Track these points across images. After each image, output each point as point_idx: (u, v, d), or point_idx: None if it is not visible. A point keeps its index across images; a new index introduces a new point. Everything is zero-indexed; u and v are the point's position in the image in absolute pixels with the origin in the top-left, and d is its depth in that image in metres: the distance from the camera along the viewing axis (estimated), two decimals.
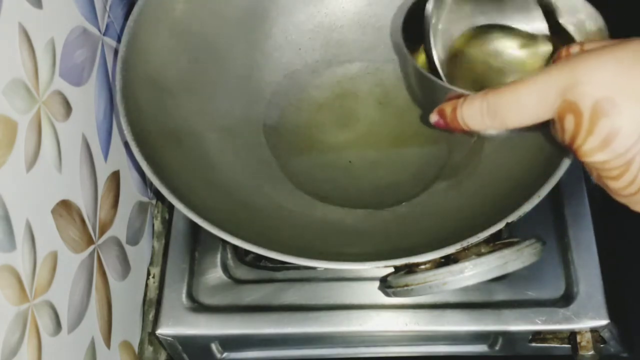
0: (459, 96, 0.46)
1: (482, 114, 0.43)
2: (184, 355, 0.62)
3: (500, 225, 0.49)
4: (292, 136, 0.64)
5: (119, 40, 0.58)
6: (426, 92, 0.52)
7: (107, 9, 0.58)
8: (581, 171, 0.62)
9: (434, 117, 0.48)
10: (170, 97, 0.59)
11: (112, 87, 0.58)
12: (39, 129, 0.46)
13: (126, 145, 0.60)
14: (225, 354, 0.63)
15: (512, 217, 0.49)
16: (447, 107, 0.46)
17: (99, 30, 0.56)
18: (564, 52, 0.44)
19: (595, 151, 0.39)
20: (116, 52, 0.59)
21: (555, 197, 0.62)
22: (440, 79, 0.50)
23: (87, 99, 0.54)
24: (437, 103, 0.48)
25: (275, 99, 0.65)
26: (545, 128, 0.43)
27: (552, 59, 0.45)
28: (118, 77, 0.55)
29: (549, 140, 0.55)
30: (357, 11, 0.67)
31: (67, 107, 0.50)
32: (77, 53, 0.52)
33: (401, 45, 0.52)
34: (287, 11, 0.66)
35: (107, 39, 0.58)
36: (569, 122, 0.39)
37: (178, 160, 0.56)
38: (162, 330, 0.59)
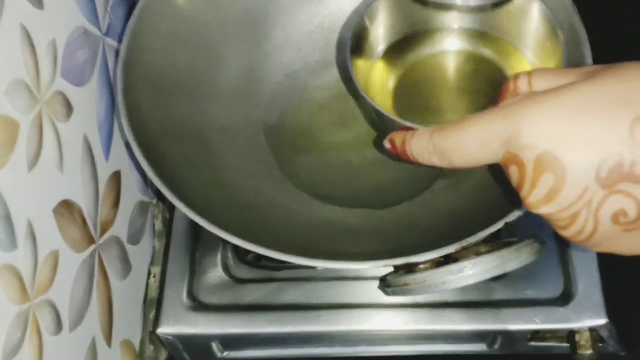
0: (409, 128, 0.46)
1: (429, 153, 0.42)
2: (185, 355, 0.62)
3: (499, 225, 0.49)
4: (292, 136, 0.64)
5: (120, 41, 0.58)
6: (374, 119, 0.51)
7: (109, 9, 0.58)
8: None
9: (386, 145, 0.47)
10: (171, 97, 0.60)
11: (113, 87, 0.58)
12: (41, 129, 0.46)
13: (127, 145, 0.60)
14: (226, 353, 0.63)
15: (511, 217, 0.49)
16: (397, 139, 0.46)
17: (100, 31, 0.57)
18: (511, 84, 0.42)
19: (540, 204, 0.38)
20: (117, 52, 0.59)
21: None
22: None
23: (89, 100, 0.54)
24: (387, 130, 0.48)
25: (275, 99, 0.66)
26: None
27: (500, 93, 0.43)
28: (119, 77, 0.55)
29: None
30: (357, 11, 0.67)
31: (69, 108, 0.50)
32: (78, 54, 0.52)
33: (348, 66, 0.51)
34: (287, 12, 0.66)
35: (109, 40, 0.58)
36: (514, 173, 0.38)
37: (179, 160, 0.57)
38: (163, 330, 0.59)
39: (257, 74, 0.66)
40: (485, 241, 0.50)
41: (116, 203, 0.59)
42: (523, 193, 0.38)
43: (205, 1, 0.62)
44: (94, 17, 0.55)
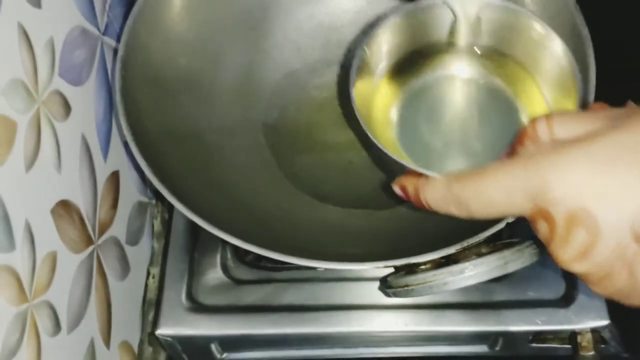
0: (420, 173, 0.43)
1: (446, 202, 0.40)
2: (184, 356, 0.62)
3: (500, 226, 0.49)
4: (292, 136, 0.64)
5: (118, 40, 0.58)
6: (382, 160, 0.47)
7: (107, 8, 0.58)
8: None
9: (396, 190, 0.45)
10: (170, 97, 0.59)
11: (111, 86, 0.58)
12: (38, 128, 0.46)
13: (126, 145, 0.60)
14: (225, 354, 0.63)
15: (513, 217, 0.49)
16: (409, 185, 0.43)
17: (99, 30, 0.56)
18: (529, 129, 0.39)
19: (573, 262, 0.36)
20: (115, 51, 0.59)
21: None
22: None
23: (87, 99, 0.54)
24: (395, 173, 0.45)
25: (274, 98, 0.65)
26: None
27: (517, 137, 0.41)
28: (117, 76, 0.55)
29: None
30: (357, 10, 0.67)
31: (67, 107, 0.50)
32: (76, 53, 0.52)
33: (354, 107, 0.47)
34: (287, 11, 0.66)
35: (107, 39, 0.58)
36: (543, 228, 0.37)
37: (178, 160, 0.56)
38: (161, 331, 0.59)
39: (257, 73, 0.65)
40: (486, 242, 0.50)
41: (114, 203, 0.58)
42: (553, 249, 0.37)
43: (204, 1, 0.62)
44: (92, 16, 0.55)
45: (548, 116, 0.39)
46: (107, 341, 0.56)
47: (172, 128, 0.58)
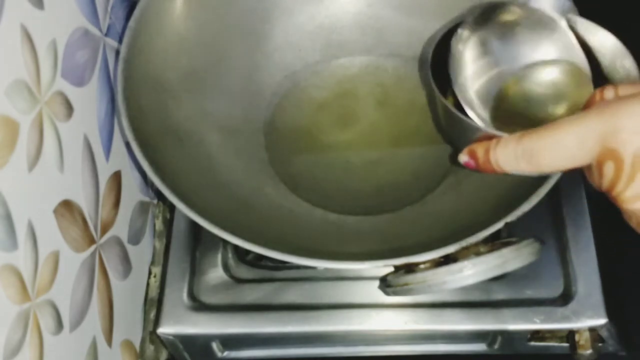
0: (491, 137, 0.45)
1: (516, 158, 0.42)
2: (185, 354, 0.62)
3: (499, 225, 0.49)
4: (292, 136, 0.64)
5: (120, 41, 0.58)
6: (455, 130, 0.50)
7: (109, 9, 0.58)
8: (580, 171, 0.62)
9: (463, 158, 0.47)
10: (171, 98, 0.60)
11: (113, 87, 0.58)
12: (41, 129, 0.46)
13: (127, 145, 0.61)
14: (226, 353, 0.63)
15: (511, 217, 0.49)
16: (479, 149, 0.45)
17: (101, 31, 0.57)
18: (597, 95, 0.43)
19: (636, 199, 0.38)
20: (117, 52, 0.59)
21: (554, 196, 0.62)
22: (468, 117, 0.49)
23: (89, 100, 0.54)
24: (466, 142, 0.47)
25: (275, 99, 0.66)
26: None
27: (585, 104, 0.44)
28: (119, 77, 0.55)
29: None
30: (357, 12, 0.67)
31: (69, 108, 0.50)
32: (78, 54, 0.52)
33: (429, 80, 0.51)
34: (287, 12, 0.66)
35: (109, 40, 0.58)
36: (609, 169, 0.39)
37: (179, 160, 0.57)
38: (163, 329, 0.59)
39: (257, 74, 0.66)
40: (485, 241, 0.50)
41: (116, 203, 0.59)
42: (618, 189, 0.39)
43: (205, 1, 0.62)
44: (94, 17, 0.55)
45: (615, 85, 0.42)
46: (109, 340, 0.56)
47: (173, 128, 0.59)
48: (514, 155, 0.42)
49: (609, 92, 0.42)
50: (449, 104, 0.49)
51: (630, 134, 0.37)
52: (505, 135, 0.44)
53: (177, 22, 0.61)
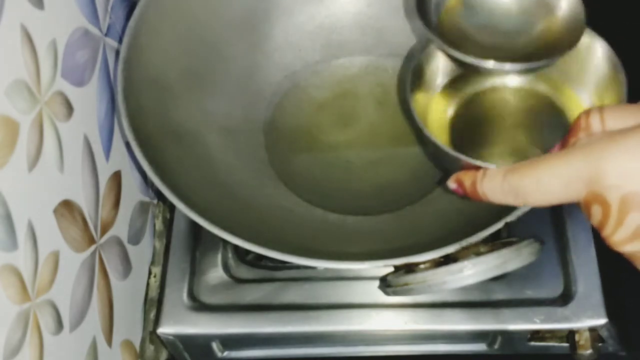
0: (477, 167, 0.45)
1: (503, 192, 0.42)
2: (185, 354, 0.62)
3: (499, 225, 0.49)
4: (292, 136, 0.64)
5: (120, 41, 0.58)
6: (440, 159, 0.50)
7: (109, 9, 0.58)
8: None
9: (451, 185, 0.47)
10: (171, 97, 0.60)
11: (113, 87, 0.58)
12: (41, 129, 0.46)
13: (127, 145, 0.61)
14: (226, 353, 0.63)
15: (511, 217, 0.49)
16: (466, 179, 0.45)
17: (101, 31, 0.57)
18: (582, 121, 0.41)
19: (625, 242, 0.38)
20: (117, 52, 0.59)
21: None
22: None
23: (89, 100, 0.54)
24: (453, 170, 0.47)
25: (275, 99, 0.66)
26: None
27: (570, 129, 0.42)
28: (119, 77, 0.55)
29: None
30: (357, 12, 0.67)
31: (69, 108, 0.50)
32: (78, 54, 0.52)
33: (411, 108, 0.50)
34: (287, 12, 0.66)
35: (109, 40, 0.58)
36: (596, 212, 0.38)
37: (179, 160, 0.57)
38: (163, 329, 0.59)
39: (257, 74, 0.66)
40: (485, 241, 0.50)
41: (116, 203, 0.59)
42: (606, 231, 0.38)
43: (205, 1, 0.62)
44: (94, 17, 0.55)
45: (600, 108, 0.41)
46: (109, 340, 0.56)
47: (173, 128, 0.59)
48: (501, 190, 0.42)
49: (594, 119, 0.41)
50: (431, 134, 0.48)
51: (616, 179, 0.37)
52: (491, 167, 0.43)
53: (176, 21, 0.61)
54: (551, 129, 0.51)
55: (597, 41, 0.49)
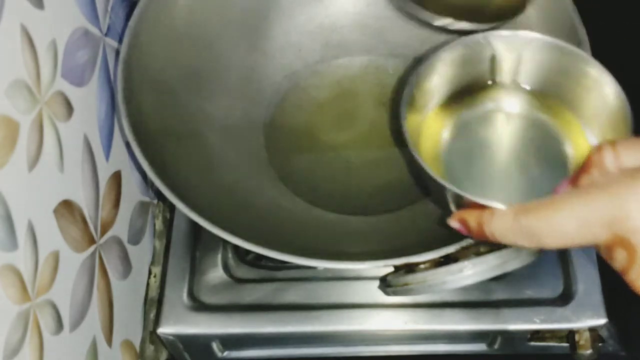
0: (481, 205, 0.42)
1: (515, 234, 0.40)
2: (185, 354, 0.62)
3: None
4: (292, 136, 0.64)
5: (120, 41, 0.58)
6: (439, 194, 0.46)
7: (109, 9, 0.58)
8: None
9: (454, 224, 0.44)
10: (171, 97, 0.60)
11: (113, 87, 0.58)
12: (41, 129, 0.46)
13: (127, 145, 0.61)
14: (226, 353, 0.63)
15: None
16: (471, 219, 0.42)
17: (101, 31, 0.57)
18: (595, 157, 0.39)
19: None
20: (117, 52, 0.59)
21: None
22: None
23: (89, 100, 0.54)
24: (456, 207, 0.45)
25: (275, 99, 0.66)
26: None
27: (582, 166, 0.40)
28: (119, 77, 0.55)
29: None
30: (356, 12, 0.67)
31: (69, 108, 0.50)
32: (78, 54, 0.52)
33: (407, 138, 0.46)
34: (287, 12, 0.66)
35: (109, 40, 0.58)
36: (620, 256, 0.37)
37: (179, 160, 0.57)
38: (163, 329, 0.59)
39: (257, 74, 0.66)
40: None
41: (116, 203, 0.59)
42: (631, 276, 0.37)
43: (205, 1, 0.62)
44: (94, 17, 0.55)
45: (613, 143, 0.39)
46: (109, 340, 0.56)
47: (173, 128, 0.59)
48: (512, 231, 0.40)
49: (607, 155, 0.39)
50: (428, 167, 0.44)
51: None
52: (498, 206, 0.41)
53: (177, 22, 0.61)
54: (552, 160, 0.48)
55: (605, 75, 0.46)
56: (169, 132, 0.58)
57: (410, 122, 0.48)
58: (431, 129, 0.50)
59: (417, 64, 0.49)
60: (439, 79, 0.50)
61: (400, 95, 0.48)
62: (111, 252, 0.57)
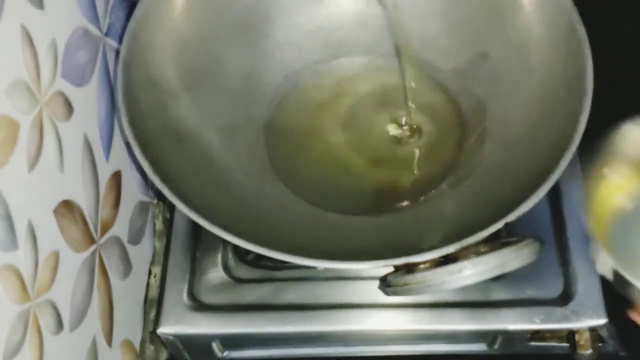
0: None
1: None
2: (185, 354, 0.62)
3: (499, 225, 0.49)
4: (292, 136, 0.64)
5: (120, 41, 0.58)
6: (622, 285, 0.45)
7: (109, 10, 0.58)
8: (579, 171, 0.62)
9: (635, 317, 0.45)
10: (171, 97, 0.60)
11: (113, 87, 0.58)
12: (41, 129, 0.46)
13: (127, 145, 0.61)
14: (226, 353, 0.63)
15: (511, 217, 0.49)
16: None
17: (101, 31, 0.57)
18: None
19: None
20: (117, 52, 0.59)
21: (554, 196, 0.62)
22: None
23: (89, 100, 0.54)
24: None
25: (275, 99, 0.66)
26: None
27: None
28: (119, 77, 0.55)
29: (547, 140, 0.55)
30: (357, 11, 0.67)
31: (69, 108, 0.50)
32: (78, 54, 0.52)
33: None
34: (287, 12, 0.66)
35: (109, 40, 0.58)
36: None
37: (179, 160, 0.57)
38: (163, 329, 0.59)
39: (257, 74, 0.66)
40: (485, 241, 0.50)
41: (116, 203, 0.59)
42: None
43: (205, 1, 0.62)
44: (95, 18, 0.55)
45: None
46: (109, 340, 0.56)
47: (173, 128, 0.59)
48: None
49: None
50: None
51: None
52: None
53: (177, 22, 0.61)
54: None
55: None
56: (168, 131, 0.58)
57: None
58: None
59: None
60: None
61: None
62: (111, 252, 0.57)
